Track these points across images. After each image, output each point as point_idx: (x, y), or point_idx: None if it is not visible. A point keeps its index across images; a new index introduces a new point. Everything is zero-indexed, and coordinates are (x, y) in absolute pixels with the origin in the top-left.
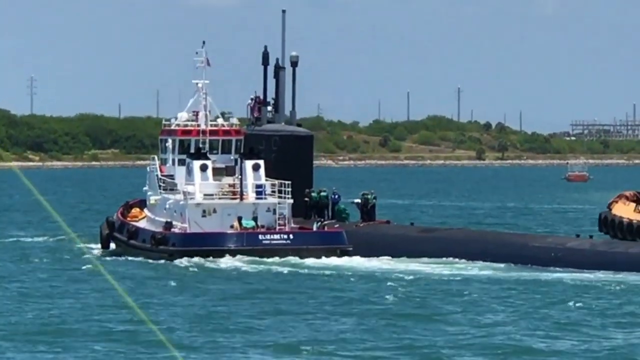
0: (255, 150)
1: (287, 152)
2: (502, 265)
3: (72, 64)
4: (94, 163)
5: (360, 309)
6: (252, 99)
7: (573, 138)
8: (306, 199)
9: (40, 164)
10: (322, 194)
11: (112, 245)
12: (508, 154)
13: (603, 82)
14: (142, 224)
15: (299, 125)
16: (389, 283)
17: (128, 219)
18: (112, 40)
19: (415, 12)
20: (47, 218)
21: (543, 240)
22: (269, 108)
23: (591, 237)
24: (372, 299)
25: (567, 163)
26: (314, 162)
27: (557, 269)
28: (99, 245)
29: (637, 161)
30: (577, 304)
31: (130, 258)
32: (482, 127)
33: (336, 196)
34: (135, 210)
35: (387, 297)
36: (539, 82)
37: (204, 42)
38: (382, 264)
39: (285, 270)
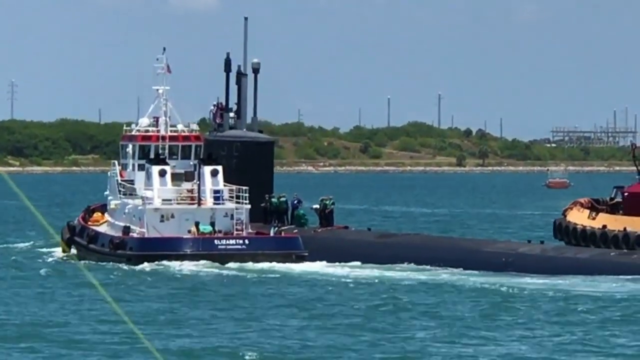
0: (213, 156)
1: (248, 158)
2: (455, 270)
3: (52, 69)
4: (74, 168)
5: (310, 312)
6: (214, 105)
7: (553, 145)
8: (264, 204)
9: (20, 169)
10: (282, 199)
11: (73, 250)
12: (489, 161)
13: (584, 89)
14: (102, 228)
15: (260, 131)
16: (334, 287)
17: (90, 223)
18: (92, 45)
19: (397, 19)
20: (16, 222)
21: (495, 245)
22: (231, 114)
23: (542, 242)
24: (319, 303)
25: (548, 170)
26: (295, 168)
27: (508, 273)
28: (60, 249)
29: (617, 168)
30: (519, 308)
31: (89, 262)
32: (462, 133)
33: (295, 201)
34: (97, 215)
35: (335, 300)
36: (519, 89)
37: (164, 49)
38: (335, 269)
39: (239, 274)
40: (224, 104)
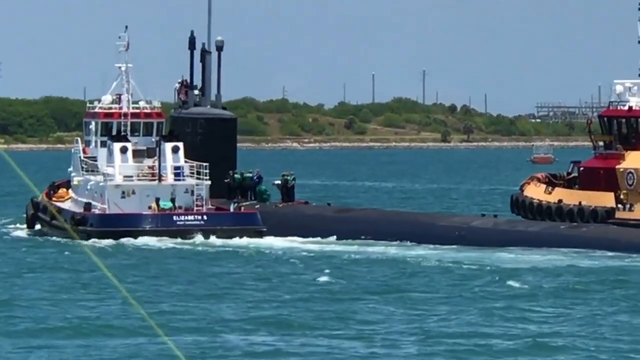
0: (176, 133)
1: (211, 134)
2: (409, 243)
3: (37, 46)
4: (59, 145)
5: (265, 286)
6: (179, 83)
7: (538, 120)
8: (228, 180)
9: (5, 146)
10: (247, 175)
11: (38, 226)
12: (473, 137)
13: (568, 64)
14: (66, 204)
15: (224, 108)
16: (291, 260)
17: (54, 199)
18: (76, 21)
19: None
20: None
21: (449, 219)
22: (196, 92)
23: (495, 216)
24: (271, 277)
25: (533, 145)
26: (280, 144)
27: (460, 247)
28: (25, 226)
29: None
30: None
31: (51, 238)
32: (447, 109)
33: (256, 178)
34: (62, 191)
35: (285, 275)
36: (504, 64)
37: (126, 27)
38: (290, 243)
39: (196, 249)
40: (188, 81)
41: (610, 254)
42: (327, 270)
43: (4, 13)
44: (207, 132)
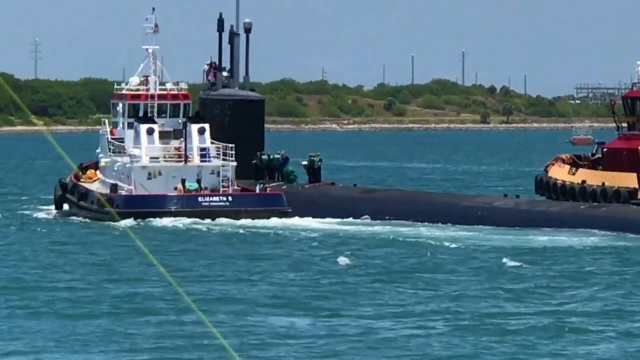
0: (202, 114)
1: (239, 116)
2: (433, 224)
3: (76, 28)
4: (98, 128)
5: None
6: (208, 65)
7: (578, 102)
8: (255, 161)
9: (44, 128)
10: (275, 156)
11: (66, 207)
12: (513, 118)
13: (608, 45)
14: (94, 186)
15: (252, 90)
16: (314, 242)
17: (83, 180)
18: (116, 3)
19: None
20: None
21: (472, 200)
22: (225, 74)
23: (518, 197)
24: (295, 258)
25: (572, 127)
26: (320, 126)
27: (482, 227)
28: (53, 207)
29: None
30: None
31: (78, 219)
32: (486, 91)
33: (282, 159)
34: (90, 172)
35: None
36: (543, 45)
37: (153, 9)
38: (315, 224)
39: (222, 230)
40: (217, 63)
41: (632, 235)
42: (347, 252)
43: None
44: (235, 114)
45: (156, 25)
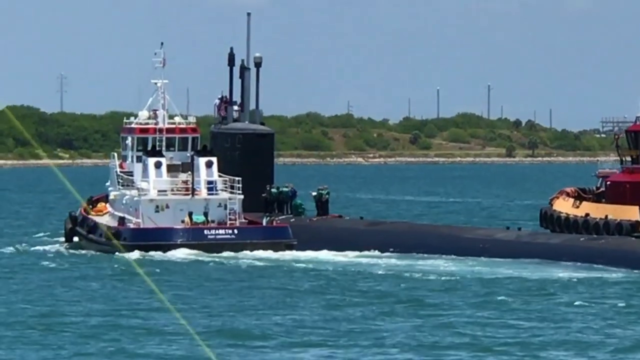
0: (211, 148)
1: (249, 149)
2: (434, 255)
3: (102, 61)
4: None
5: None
6: (219, 99)
7: (603, 135)
8: (265, 194)
9: (70, 161)
10: (284, 189)
11: (76, 239)
12: (538, 151)
13: (632, 79)
14: (104, 218)
15: (262, 124)
16: (317, 274)
17: (93, 213)
18: (143, 38)
19: (445, 9)
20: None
21: (474, 232)
22: (236, 107)
23: (519, 229)
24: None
25: (597, 160)
26: (345, 159)
27: (482, 258)
28: (63, 239)
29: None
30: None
31: (88, 251)
32: (512, 124)
33: (291, 192)
34: (100, 205)
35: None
36: (568, 79)
37: (162, 44)
38: (320, 256)
39: (226, 262)
40: (228, 97)
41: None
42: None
43: (70, 28)
44: (245, 147)
45: (164, 60)
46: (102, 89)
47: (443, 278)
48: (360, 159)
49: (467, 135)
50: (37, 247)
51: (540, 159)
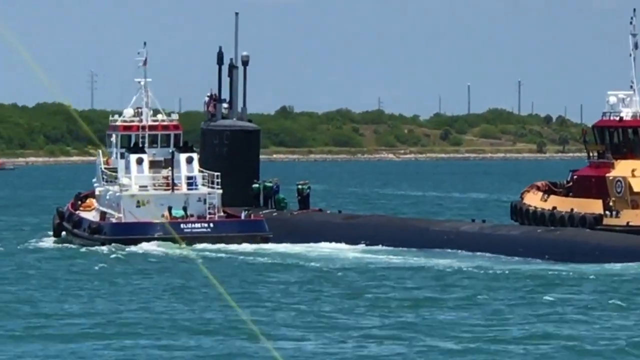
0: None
1: (236, 145)
2: (401, 248)
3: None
4: None
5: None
6: (208, 96)
7: None
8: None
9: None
10: (268, 184)
11: (64, 234)
12: (569, 147)
13: None
14: (91, 214)
15: (249, 121)
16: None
17: (81, 208)
18: (170, 33)
19: (475, 5)
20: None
21: (441, 225)
22: (225, 105)
23: (484, 221)
24: (255, 281)
25: None
26: (376, 156)
27: (447, 250)
28: (52, 234)
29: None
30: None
31: (70, 245)
32: (542, 120)
33: (275, 187)
34: (89, 201)
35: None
36: (599, 74)
37: (145, 43)
38: (293, 249)
39: (200, 254)
40: (217, 94)
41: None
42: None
43: (99, 26)
44: (232, 144)
45: (145, 59)
46: (132, 86)
47: (396, 270)
48: (391, 155)
49: (497, 131)
50: (28, 242)
51: (571, 154)
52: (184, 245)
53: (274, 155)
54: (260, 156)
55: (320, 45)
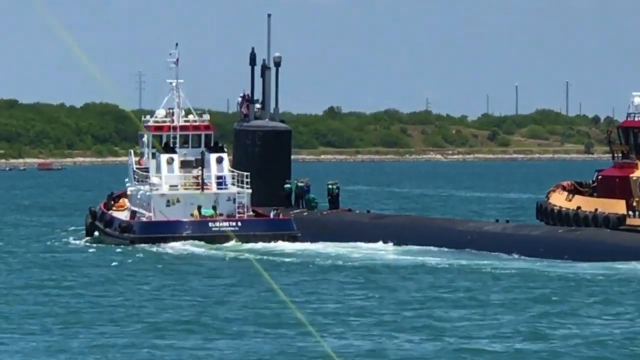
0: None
1: (268, 146)
2: (425, 248)
3: (180, 57)
4: None
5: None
6: (241, 97)
7: None
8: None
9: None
10: (300, 184)
11: (96, 233)
12: None
13: None
14: (123, 213)
15: (281, 121)
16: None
17: (114, 208)
18: (216, 34)
19: (523, 6)
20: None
21: (465, 224)
22: (257, 105)
23: (507, 221)
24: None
25: None
26: (423, 156)
27: (472, 250)
28: (84, 233)
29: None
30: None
31: (102, 245)
32: (590, 120)
33: (306, 187)
34: (122, 200)
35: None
36: None
37: (176, 44)
38: (322, 247)
39: (227, 253)
40: (249, 95)
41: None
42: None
43: (146, 26)
44: (264, 144)
45: (177, 60)
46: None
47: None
48: (438, 156)
49: (545, 132)
50: (61, 241)
51: None
52: (238, 242)
53: (322, 156)
54: (308, 156)
55: (369, 46)
